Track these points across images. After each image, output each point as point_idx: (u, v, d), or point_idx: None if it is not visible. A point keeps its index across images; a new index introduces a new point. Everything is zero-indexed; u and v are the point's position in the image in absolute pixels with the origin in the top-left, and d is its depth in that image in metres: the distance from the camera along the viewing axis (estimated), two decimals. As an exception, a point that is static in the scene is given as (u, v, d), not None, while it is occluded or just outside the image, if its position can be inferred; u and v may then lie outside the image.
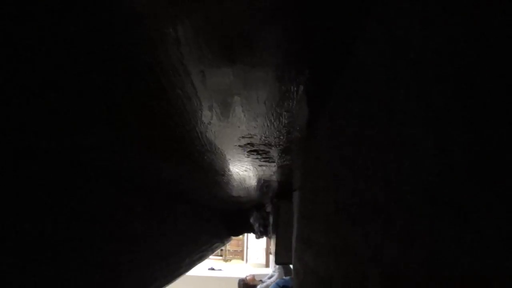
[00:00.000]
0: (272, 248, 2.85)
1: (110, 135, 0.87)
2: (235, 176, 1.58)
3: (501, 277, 0.22)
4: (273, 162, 1.30)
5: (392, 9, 0.41)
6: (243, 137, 0.98)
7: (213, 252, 3.05)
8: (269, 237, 3.26)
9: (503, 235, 0.22)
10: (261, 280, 3.96)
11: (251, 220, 3.22)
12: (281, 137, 0.98)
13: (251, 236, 4.22)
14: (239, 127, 0.89)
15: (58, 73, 0.57)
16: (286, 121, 0.85)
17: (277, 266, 3.60)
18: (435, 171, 0.30)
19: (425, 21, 0.33)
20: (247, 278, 4.10)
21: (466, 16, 0.27)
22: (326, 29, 0.50)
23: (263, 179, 1.72)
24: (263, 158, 1.22)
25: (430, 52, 0.32)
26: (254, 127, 0.89)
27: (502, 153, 0.22)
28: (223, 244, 3.58)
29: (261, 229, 3.15)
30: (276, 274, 3.65)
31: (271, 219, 2.84)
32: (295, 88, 0.67)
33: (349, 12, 0.47)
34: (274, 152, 1.15)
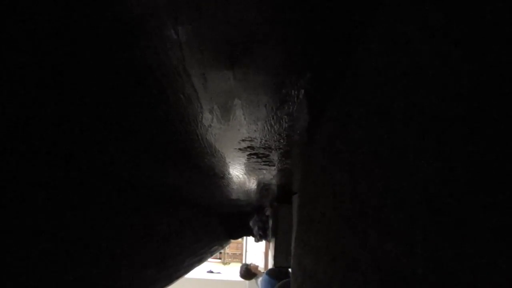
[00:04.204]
0: (271, 251, 2.84)
1: (109, 137, 0.87)
2: (234, 179, 1.57)
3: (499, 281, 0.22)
4: (273, 165, 1.30)
5: (393, 16, 0.41)
6: (243, 140, 0.98)
7: (212, 255, 3.04)
8: (268, 241, 3.25)
9: (501, 240, 0.22)
10: (264, 272, 3.96)
11: (251, 223, 3.21)
12: (282, 141, 0.98)
13: (250, 239, 4.21)
14: (239, 130, 0.89)
15: (56, 76, 0.57)
16: (286, 125, 0.85)
17: None
18: (435, 178, 0.30)
19: (426, 28, 0.33)
20: (251, 264, 4.11)
21: (467, 23, 0.27)
22: (328, 34, 0.50)
23: (263, 183, 1.72)
24: (263, 161, 1.22)
25: (431, 58, 0.32)
26: (255, 130, 0.89)
27: (502, 160, 0.22)
28: (222, 247, 3.57)
29: (260, 232, 3.14)
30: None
31: (270, 223, 2.84)
32: (296, 92, 0.67)
33: (351, 18, 0.47)
34: (274, 156, 1.15)
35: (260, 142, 0.99)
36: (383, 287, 0.41)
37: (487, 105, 0.24)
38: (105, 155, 1.02)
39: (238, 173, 1.45)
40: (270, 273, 3.22)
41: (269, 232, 2.94)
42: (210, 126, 0.84)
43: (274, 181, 1.68)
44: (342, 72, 0.61)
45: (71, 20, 0.44)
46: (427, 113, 0.32)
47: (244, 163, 1.26)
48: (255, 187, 1.85)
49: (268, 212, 2.96)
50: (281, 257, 2.36)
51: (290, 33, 0.50)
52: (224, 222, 3.35)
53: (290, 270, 2.47)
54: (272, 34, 0.50)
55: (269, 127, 0.87)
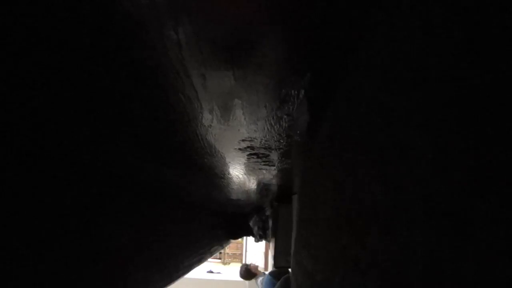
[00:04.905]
0: (271, 251, 2.84)
1: (108, 138, 0.88)
2: (234, 179, 1.57)
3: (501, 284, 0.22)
4: (273, 165, 1.30)
5: (394, 17, 0.41)
6: (243, 140, 0.98)
7: (212, 255, 3.04)
8: (268, 241, 3.25)
9: (502, 241, 0.22)
10: (264, 272, 3.96)
11: (251, 223, 3.22)
12: (282, 141, 0.98)
13: (250, 239, 4.22)
14: (239, 130, 0.89)
15: (55, 76, 0.57)
16: (286, 125, 0.85)
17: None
18: (435, 178, 0.30)
19: (426, 28, 0.33)
20: (251, 265, 4.11)
21: (468, 23, 0.27)
22: (328, 34, 0.50)
23: (263, 183, 1.72)
24: (263, 161, 1.22)
25: (431, 58, 0.32)
26: (255, 130, 0.89)
27: (503, 160, 0.22)
28: (222, 247, 3.58)
29: (260, 232, 3.15)
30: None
31: (270, 223, 2.84)
32: (296, 92, 0.67)
33: (351, 18, 0.47)
34: (274, 156, 1.15)
35: (260, 142, 0.99)
36: (383, 287, 0.41)
37: (488, 104, 0.24)
38: (105, 155, 1.02)
39: (238, 173, 1.45)
40: (272, 274, 3.22)
41: (269, 232, 2.94)
42: (210, 126, 0.84)
43: (274, 181, 1.68)
44: (342, 72, 0.61)
45: (70, 20, 0.44)
46: (428, 112, 0.32)
47: (244, 163, 1.26)
48: (255, 187, 1.85)
49: (268, 212, 2.97)
50: (281, 257, 2.36)
51: (290, 34, 0.50)
52: (224, 222, 3.35)
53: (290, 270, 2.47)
54: (272, 35, 0.50)
55: (269, 127, 0.87)
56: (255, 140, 0.97)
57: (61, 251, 0.95)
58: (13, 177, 0.80)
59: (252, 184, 1.76)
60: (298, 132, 0.90)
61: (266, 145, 1.02)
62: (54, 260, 0.93)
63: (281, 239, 2.33)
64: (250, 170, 1.38)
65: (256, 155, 1.14)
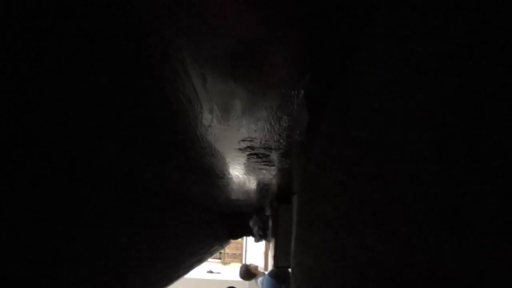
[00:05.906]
0: (271, 251, 2.84)
1: (108, 138, 0.88)
2: (234, 179, 1.57)
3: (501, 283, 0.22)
4: (273, 165, 1.30)
5: (393, 17, 0.41)
6: (243, 140, 0.98)
7: (212, 255, 3.04)
8: (268, 241, 3.25)
9: (503, 242, 0.22)
10: (263, 273, 3.96)
11: (250, 223, 3.21)
12: (281, 141, 0.98)
13: (250, 239, 4.21)
14: (239, 130, 0.89)
15: (56, 77, 0.57)
16: (286, 125, 0.85)
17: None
18: (434, 178, 0.30)
19: (425, 28, 0.33)
20: (251, 265, 4.11)
21: (466, 23, 0.27)
22: (327, 35, 0.50)
23: (263, 183, 1.72)
24: (263, 161, 1.22)
25: (431, 58, 0.32)
26: (255, 130, 0.89)
27: (502, 160, 0.22)
28: (222, 247, 3.57)
29: (260, 232, 3.15)
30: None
31: (270, 223, 2.84)
32: (296, 93, 0.67)
33: (350, 19, 0.47)
34: (274, 156, 1.15)
35: (260, 142, 0.99)
36: (382, 287, 0.41)
37: (488, 104, 0.24)
38: (104, 155, 1.02)
39: (238, 173, 1.45)
40: (271, 274, 3.22)
41: (269, 232, 2.94)
42: (210, 126, 0.84)
43: (274, 181, 1.68)
44: (342, 72, 0.61)
45: (72, 21, 0.44)
46: (427, 113, 0.32)
47: (244, 163, 1.26)
48: (255, 187, 1.85)
49: (268, 212, 2.96)
50: (281, 257, 2.36)
51: (290, 35, 0.50)
52: (224, 222, 3.35)
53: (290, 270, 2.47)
54: (272, 37, 0.50)
55: (269, 127, 0.87)
56: (255, 140, 0.97)
57: (61, 252, 0.95)
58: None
59: (252, 184, 1.76)
60: (297, 132, 0.90)
61: (266, 145, 1.02)
62: (54, 259, 0.93)
63: (281, 239, 2.33)
64: (250, 170, 1.38)
65: (256, 155, 1.14)
